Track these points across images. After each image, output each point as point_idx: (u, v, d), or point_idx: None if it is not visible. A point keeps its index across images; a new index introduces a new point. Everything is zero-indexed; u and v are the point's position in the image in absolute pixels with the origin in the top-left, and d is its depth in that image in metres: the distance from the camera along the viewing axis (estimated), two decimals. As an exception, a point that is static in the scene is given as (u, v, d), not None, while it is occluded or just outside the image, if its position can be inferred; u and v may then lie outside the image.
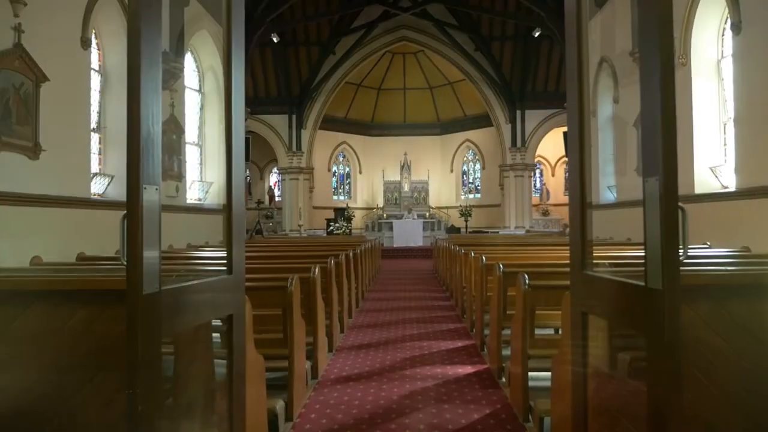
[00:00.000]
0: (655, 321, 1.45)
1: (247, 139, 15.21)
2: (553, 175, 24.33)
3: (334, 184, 25.30)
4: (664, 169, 1.45)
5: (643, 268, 1.54)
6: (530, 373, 3.47)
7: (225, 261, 1.98)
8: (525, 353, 3.31)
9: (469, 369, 4.47)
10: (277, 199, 23.98)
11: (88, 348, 2.12)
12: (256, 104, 19.46)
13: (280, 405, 3.20)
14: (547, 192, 23.65)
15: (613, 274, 1.84)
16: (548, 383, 3.85)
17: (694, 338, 1.84)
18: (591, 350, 1.99)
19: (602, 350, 2.05)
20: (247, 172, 23.50)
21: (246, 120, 14.69)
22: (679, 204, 1.46)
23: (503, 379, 4.11)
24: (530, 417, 3.35)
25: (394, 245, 19.16)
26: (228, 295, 1.96)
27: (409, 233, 19.56)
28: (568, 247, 6.93)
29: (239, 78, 2.02)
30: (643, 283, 1.52)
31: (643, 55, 1.56)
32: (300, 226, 19.85)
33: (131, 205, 1.47)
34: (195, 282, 1.76)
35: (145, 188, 1.49)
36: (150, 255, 1.50)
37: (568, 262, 4.79)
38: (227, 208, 1.96)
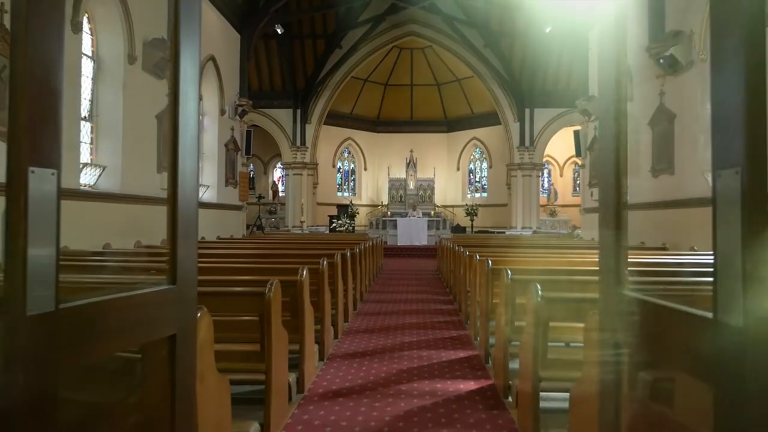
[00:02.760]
0: (729, 369, 1.05)
1: (249, 133, 14.91)
2: (561, 176, 23.87)
3: (339, 181, 24.95)
4: (748, 156, 1.04)
5: (681, 281, 1.14)
6: (541, 393, 3.07)
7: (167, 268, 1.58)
8: (536, 375, 2.90)
9: (472, 385, 4.06)
10: (281, 194, 23.63)
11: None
12: (259, 98, 19.06)
13: (254, 428, 2.80)
14: (555, 192, 23.18)
15: (660, 295, 1.43)
16: (560, 404, 3.45)
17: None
18: (626, 387, 1.58)
19: (638, 386, 1.64)
20: (251, 166, 23.18)
21: (248, 113, 14.37)
22: None
23: (510, 399, 3.69)
24: (541, 447, 2.94)
25: (398, 243, 18.75)
26: (169, 310, 1.57)
27: (413, 232, 19.14)
28: (580, 251, 6.41)
29: (191, 36, 1.62)
30: (710, 315, 1.11)
31: (717, 19, 1.15)
32: (302, 222, 19.48)
33: (11, 195, 1.08)
34: (117, 296, 1.36)
35: (32, 171, 1.10)
36: (40, 261, 1.10)
37: (583, 268, 4.37)
38: (171, 200, 1.56)
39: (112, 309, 1.35)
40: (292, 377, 3.63)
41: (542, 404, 3.07)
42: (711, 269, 1.13)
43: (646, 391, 1.52)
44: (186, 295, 1.65)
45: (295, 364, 3.83)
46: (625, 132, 1.66)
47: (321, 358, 4.70)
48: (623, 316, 1.52)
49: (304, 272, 3.87)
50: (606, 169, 1.65)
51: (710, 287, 1.13)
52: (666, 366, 1.41)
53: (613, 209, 1.59)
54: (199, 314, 1.99)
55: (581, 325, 3.00)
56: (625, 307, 1.50)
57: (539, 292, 2.89)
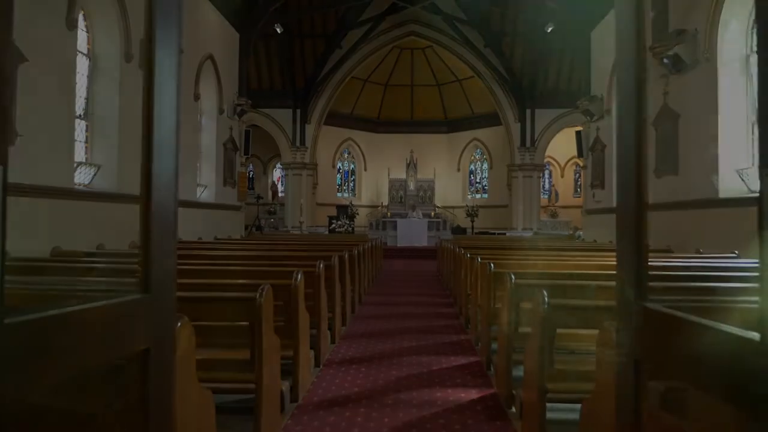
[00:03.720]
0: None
1: (247, 132, 14.76)
2: (562, 177, 23.74)
3: (339, 181, 24.81)
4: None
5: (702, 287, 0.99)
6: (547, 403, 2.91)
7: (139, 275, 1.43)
8: (542, 386, 2.74)
9: (473, 393, 3.90)
10: (280, 194, 23.49)
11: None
12: (259, 97, 18.86)
13: (243, 442, 2.65)
14: (556, 193, 23.04)
15: (676, 306, 1.28)
16: (566, 415, 3.30)
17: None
18: (644, 409, 1.43)
19: (658, 406, 1.49)
20: (251, 166, 23.03)
21: (246, 112, 14.22)
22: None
23: (513, 409, 3.54)
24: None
25: (398, 245, 18.59)
26: (142, 322, 1.42)
27: (413, 233, 18.98)
28: (585, 253, 6.20)
29: (170, 23, 1.47)
30: (756, 335, 0.96)
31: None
32: (301, 222, 19.33)
33: (-56, 193, 0.93)
34: (78, 307, 1.21)
35: (-31, 166, 0.95)
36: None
37: (590, 272, 4.22)
38: (144, 199, 1.41)
39: (72, 323, 1.20)
40: (285, 385, 3.47)
41: (548, 414, 2.92)
42: (721, 273, 0.99)
43: (671, 418, 1.37)
44: (161, 304, 1.50)
45: (289, 371, 3.68)
46: (646, 126, 1.51)
47: (317, 365, 4.54)
48: (644, 331, 1.37)
49: (299, 276, 3.72)
50: (625, 167, 1.50)
51: (741, 299, 0.98)
52: (697, 393, 1.25)
53: (634, 210, 1.44)
54: (179, 324, 1.84)
55: (589, 332, 2.85)
56: (646, 321, 1.35)
57: (546, 299, 2.74)
